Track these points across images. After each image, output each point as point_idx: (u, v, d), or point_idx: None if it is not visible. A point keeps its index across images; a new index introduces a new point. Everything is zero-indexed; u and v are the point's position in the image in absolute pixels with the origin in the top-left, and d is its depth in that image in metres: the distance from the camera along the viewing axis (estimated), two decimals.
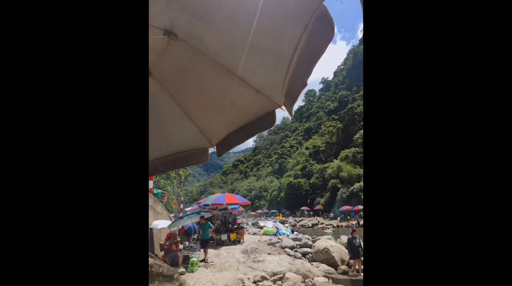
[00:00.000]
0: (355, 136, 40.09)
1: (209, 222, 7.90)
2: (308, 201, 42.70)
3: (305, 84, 1.33)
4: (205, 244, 7.30)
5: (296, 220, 32.81)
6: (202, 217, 7.74)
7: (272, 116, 1.68)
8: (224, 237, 9.58)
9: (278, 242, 9.63)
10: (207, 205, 10.64)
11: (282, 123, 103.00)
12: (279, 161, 69.23)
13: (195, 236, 8.72)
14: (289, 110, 1.54)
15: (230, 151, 2.03)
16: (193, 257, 6.47)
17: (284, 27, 1.12)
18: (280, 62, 1.27)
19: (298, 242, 9.62)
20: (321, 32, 1.03)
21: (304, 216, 37.89)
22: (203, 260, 6.87)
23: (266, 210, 49.24)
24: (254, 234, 13.85)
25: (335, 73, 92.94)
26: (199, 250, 7.15)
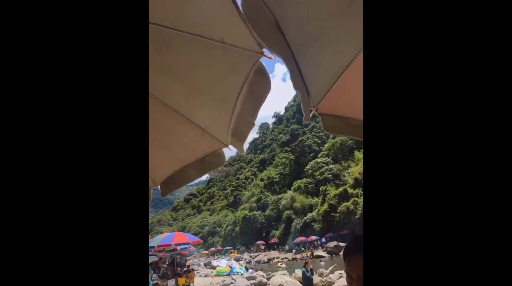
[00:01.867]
0: (306, 167, 42.33)
1: (149, 268, 7.03)
2: (264, 234, 41.93)
3: (252, 124, 1.42)
4: None
5: (251, 256, 31.56)
6: None
7: (220, 155, 1.71)
8: (171, 282, 8.59)
9: (232, 283, 9.02)
10: (153, 247, 9.56)
11: (237, 154, 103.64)
12: (234, 193, 67.92)
13: None
14: (239, 148, 1.59)
15: None
16: None
17: (226, 76, 1.21)
18: (224, 105, 1.34)
19: (252, 281, 9.17)
20: (260, 84, 1.14)
21: (259, 251, 36.76)
22: None
23: (220, 248, 46.41)
24: (206, 276, 12.75)
25: (286, 108, 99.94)
26: None
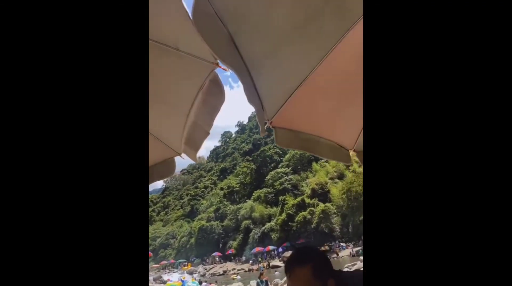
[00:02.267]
0: (267, 177, 42.97)
1: None
2: (220, 245, 40.88)
3: (207, 133, 1.40)
4: None
5: (206, 269, 30.41)
6: None
7: (171, 163, 1.64)
8: None
9: None
10: None
11: (197, 162, 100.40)
12: (191, 203, 65.23)
13: None
14: (192, 157, 1.55)
15: None
16: None
17: (181, 83, 1.19)
18: (177, 113, 1.30)
19: None
20: (214, 93, 1.14)
21: (215, 263, 35.63)
22: None
23: (172, 261, 43.73)
24: None
25: (250, 118, 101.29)
26: None
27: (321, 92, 1.49)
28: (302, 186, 35.59)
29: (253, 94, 1.09)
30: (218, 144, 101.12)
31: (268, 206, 37.81)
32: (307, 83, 1.33)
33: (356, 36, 1.26)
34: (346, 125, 1.71)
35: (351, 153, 1.78)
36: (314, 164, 36.29)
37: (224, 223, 42.88)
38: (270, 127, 1.42)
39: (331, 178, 31.87)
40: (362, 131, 1.68)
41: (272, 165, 47.79)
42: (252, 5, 0.92)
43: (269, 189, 40.01)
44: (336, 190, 28.25)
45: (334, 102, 1.58)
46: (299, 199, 31.71)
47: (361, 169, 23.40)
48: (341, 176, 30.53)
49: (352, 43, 1.29)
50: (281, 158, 47.11)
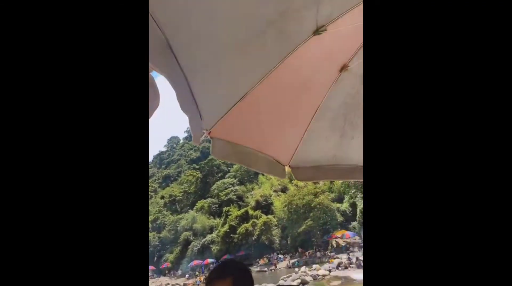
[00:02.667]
0: (212, 187, 42.02)
1: None
2: (155, 258, 37.71)
3: None
4: None
5: None
6: None
7: None
8: None
9: None
10: None
11: None
12: None
13: None
14: None
15: None
16: None
17: None
18: None
19: None
20: (150, 97, 1.08)
21: None
22: None
23: None
24: None
25: None
26: None
27: (261, 108, 1.55)
28: (247, 197, 35.90)
29: (189, 102, 1.06)
30: (164, 149, 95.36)
31: (211, 217, 36.81)
32: (248, 98, 1.37)
33: (297, 60, 1.37)
34: (284, 141, 1.81)
35: (287, 168, 1.88)
36: (260, 176, 37.14)
37: (161, 235, 39.88)
38: (208, 137, 1.41)
39: (275, 191, 33.03)
40: (297, 147, 1.80)
41: (219, 175, 47.13)
42: (193, 14, 0.91)
43: (213, 199, 39.12)
44: (278, 202, 29.30)
45: (273, 118, 1.66)
46: (243, 210, 31.80)
47: (302, 184, 24.89)
48: (284, 189, 31.89)
49: (293, 66, 1.40)
50: (229, 168, 46.91)
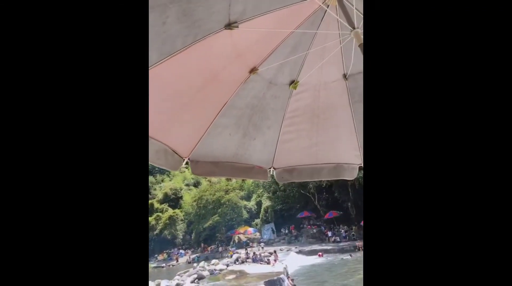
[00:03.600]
0: None
1: None
2: None
3: None
4: None
5: None
6: None
7: None
8: None
9: None
10: None
11: None
12: None
13: None
14: None
15: None
16: None
17: None
18: None
19: None
20: None
21: None
22: None
23: None
24: None
25: None
26: None
27: (163, 92, 1.42)
28: (155, 189, 33.35)
29: None
30: None
31: None
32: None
33: (205, 49, 1.32)
34: (185, 132, 1.71)
35: (185, 160, 1.79)
36: None
37: None
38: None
39: (187, 185, 31.91)
40: (199, 141, 1.73)
41: None
42: None
43: None
44: (188, 196, 28.48)
45: (175, 106, 1.54)
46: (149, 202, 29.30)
47: (215, 179, 25.01)
48: (197, 184, 31.25)
49: (201, 54, 1.35)
50: None
